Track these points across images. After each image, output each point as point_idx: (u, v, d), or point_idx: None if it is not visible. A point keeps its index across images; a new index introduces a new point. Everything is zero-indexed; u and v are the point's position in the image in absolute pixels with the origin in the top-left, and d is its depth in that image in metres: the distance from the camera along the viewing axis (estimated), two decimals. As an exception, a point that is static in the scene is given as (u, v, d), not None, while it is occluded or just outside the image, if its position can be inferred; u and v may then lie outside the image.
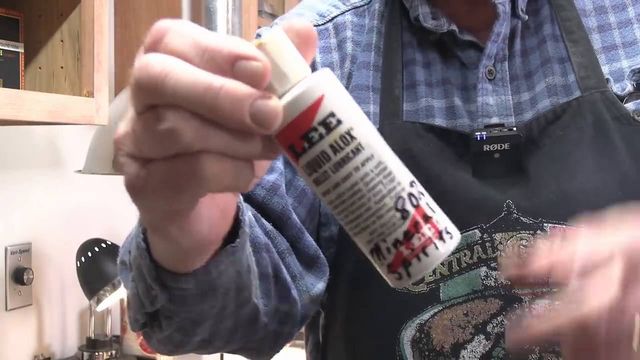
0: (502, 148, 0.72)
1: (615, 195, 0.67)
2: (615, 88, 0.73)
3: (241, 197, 0.53)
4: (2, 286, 1.68)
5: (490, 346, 0.71)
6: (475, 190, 0.71)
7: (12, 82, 1.26)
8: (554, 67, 0.75)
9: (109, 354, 1.79)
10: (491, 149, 0.72)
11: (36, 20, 1.33)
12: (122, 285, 1.70)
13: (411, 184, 0.43)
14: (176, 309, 0.56)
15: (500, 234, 0.71)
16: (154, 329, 0.60)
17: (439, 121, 0.76)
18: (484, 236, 0.71)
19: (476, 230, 0.71)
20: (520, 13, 0.76)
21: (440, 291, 0.73)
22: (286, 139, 0.41)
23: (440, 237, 0.43)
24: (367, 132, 0.41)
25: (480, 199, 0.72)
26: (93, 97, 1.31)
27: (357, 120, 0.41)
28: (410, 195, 0.42)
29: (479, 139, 0.72)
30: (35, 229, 1.77)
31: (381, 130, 0.69)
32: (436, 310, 0.73)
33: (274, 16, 2.40)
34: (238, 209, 0.52)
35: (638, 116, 0.71)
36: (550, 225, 0.69)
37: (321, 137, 0.40)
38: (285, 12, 2.47)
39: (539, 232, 0.70)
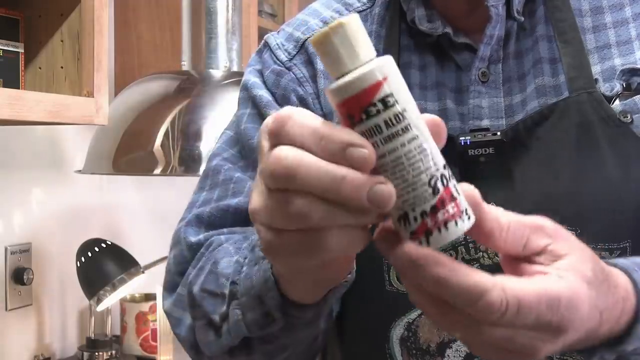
0: (487, 152, 0.72)
1: (599, 197, 0.67)
2: (604, 88, 0.72)
3: None
4: (2, 286, 1.68)
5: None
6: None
7: (12, 82, 1.26)
8: (544, 68, 0.75)
9: (109, 354, 1.79)
10: (476, 153, 0.73)
11: (36, 20, 1.33)
12: (122, 285, 1.70)
13: (444, 167, 0.48)
14: (283, 334, 0.65)
15: None
16: (236, 352, 0.69)
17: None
18: (468, 238, 0.71)
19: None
20: (516, 15, 0.76)
21: None
22: (347, 108, 0.47)
23: (461, 217, 0.48)
24: (415, 116, 0.48)
25: None
26: (93, 97, 1.31)
27: (409, 105, 0.47)
28: (442, 176, 0.48)
29: (462, 143, 0.73)
30: (35, 229, 1.77)
31: None
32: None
33: (274, 16, 2.39)
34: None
35: (624, 117, 0.70)
36: None
37: (378, 112, 0.47)
38: (285, 12, 2.46)
39: None
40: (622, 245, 0.69)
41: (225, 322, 0.67)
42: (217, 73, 1.62)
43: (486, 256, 0.72)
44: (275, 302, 0.61)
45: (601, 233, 0.69)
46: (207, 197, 0.82)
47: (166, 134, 1.46)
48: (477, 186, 0.49)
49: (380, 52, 0.77)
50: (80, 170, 1.62)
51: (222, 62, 1.64)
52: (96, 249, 1.71)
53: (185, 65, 1.68)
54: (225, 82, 1.59)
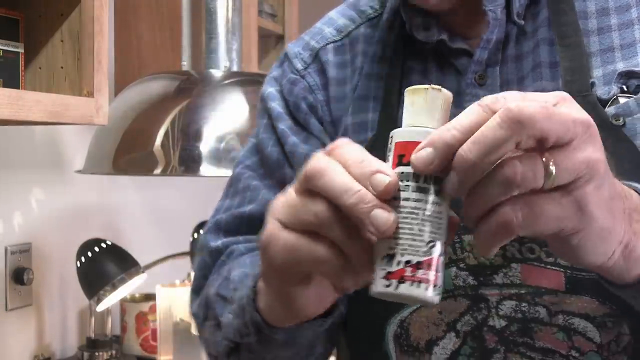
0: None
1: None
2: (602, 91, 0.73)
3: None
4: (2, 286, 1.68)
5: (459, 344, 0.74)
6: None
7: (12, 82, 1.26)
8: (544, 72, 0.75)
9: (109, 354, 1.79)
10: None
11: (36, 20, 1.33)
12: (122, 285, 1.71)
13: (446, 243, 0.53)
14: (259, 348, 0.71)
15: (469, 236, 0.73)
16: (232, 356, 0.75)
17: None
18: (455, 238, 0.73)
19: None
20: (516, 19, 0.77)
21: None
22: (404, 149, 0.53)
23: (435, 287, 0.52)
24: (448, 193, 0.53)
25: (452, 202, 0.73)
26: (93, 97, 1.31)
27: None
28: (440, 247, 0.52)
29: None
30: (35, 229, 1.77)
31: (378, 136, 0.79)
32: (414, 307, 0.76)
33: (274, 16, 2.39)
34: (337, 303, 0.69)
35: (616, 120, 0.71)
36: None
37: None
38: (285, 12, 2.46)
39: None
40: None
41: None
42: (217, 73, 1.62)
43: (471, 256, 0.74)
44: (250, 316, 0.67)
45: None
46: (228, 204, 0.88)
47: (166, 134, 1.46)
48: None
49: (387, 59, 0.84)
50: (80, 170, 1.62)
51: (222, 62, 1.64)
52: (96, 249, 1.71)
53: (185, 65, 1.68)
54: (225, 82, 1.59)
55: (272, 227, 0.56)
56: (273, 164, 0.86)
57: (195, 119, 1.47)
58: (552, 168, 0.50)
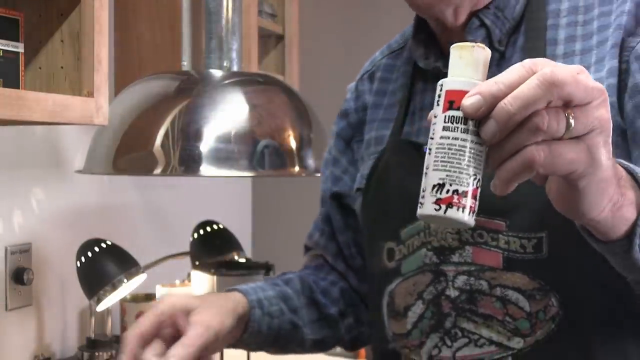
0: None
1: (536, 199, 0.78)
2: None
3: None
4: (2, 286, 1.68)
5: (424, 309, 0.93)
6: None
7: (12, 82, 1.26)
8: None
9: (109, 354, 1.79)
10: None
11: (36, 20, 1.33)
12: (122, 285, 1.70)
13: (481, 176, 0.62)
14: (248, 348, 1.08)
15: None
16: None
17: (423, 138, 0.96)
18: (425, 225, 0.94)
19: (421, 222, 0.91)
20: (497, 45, 0.93)
21: (402, 266, 0.97)
22: (454, 96, 0.62)
23: (472, 212, 0.62)
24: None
25: None
26: (93, 97, 1.31)
27: None
28: (480, 179, 0.62)
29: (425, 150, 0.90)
30: (35, 229, 1.77)
31: (387, 147, 1.01)
32: (399, 280, 0.97)
33: (274, 16, 2.39)
34: (245, 328, 1.00)
35: None
36: (482, 218, 0.86)
37: None
38: (285, 12, 2.46)
39: None
40: (538, 235, 0.87)
41: None
42: (217, 73, 1.62)
43: (435, 239, 0.93)
44: None
45: (523, 224, 0.87)
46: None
47: (166, 134, 1.45)
48: None
49: (403, 88, 1.05)
50: (80, 170, 1.62)
51: (222, 62, 1.64)
52: (96, 249, 1.71)
53: (185, 65, 1.68)
54: (225, 82, 1.59)
55: None
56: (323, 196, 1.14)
57: (195, 119, 1.47)
58: (572, 121, 0.60)
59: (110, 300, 1.73)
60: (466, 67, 0.63)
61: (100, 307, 1.73)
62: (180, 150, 1.45)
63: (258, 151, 1.46)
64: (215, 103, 1.50)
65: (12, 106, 1.15)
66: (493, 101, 0.60)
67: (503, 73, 0.61)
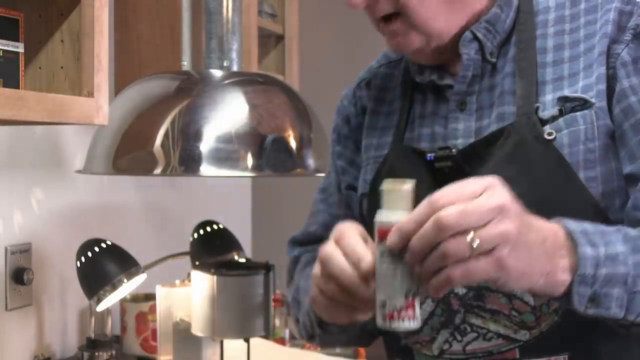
0: (448, 165, 0.97)
1: (527, 200, 0.82)
2: (546, 114, 0.94)
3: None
4: (2, 286, 1.68)
5: (434, 307, 0.99)
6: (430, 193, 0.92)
7: (12, 82, 1.26)
8: (506, 99, 0.97)
9: (109, 354, 1.79)
10: (441, 165, 0.97)
11: (36, 20, 1.33)
12: (122, 285, 1.71)
13: (417, 289, 0.78)
14: (324, 335, 1.03)
15: None
16: (310, 339, 1.10)
17: (424, 144, 1.03)
18: None
19: None
20: (489, 57, 0.99)
21: None
22: (383, 231, 0.78)
23: (412, 319, 0.78)
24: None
25: None
26: (93, 97, 1.31)
27: None
28: (414, 292, 0.78)
29: (428, 159, 0.98)
30: (35, 229, 1.77)
31: (390, 153, 1.05)
32: None
33: (274, 16, 2.39)
34: None
35: (549, 135, 0.92)
36: None
37: None
38: (285, 12, 2.46)
39: None
40: None
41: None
42: (217, 73, 1.62)
43: None
44: (314, 317, 1.00)
45: None
46: (306, 222, 1.21)
47: (166, 134, 1.45)
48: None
49: (403, 97, 1.10)
50: (80, 170, 1.62)
51: (222, 62, 1.64)
52: (96, 249, 1.71)
53: (185, 65, 1.68)
54: (225, 82, 1.59)
55: (314, 291, 0.88)
56: (331, 187, 1.17)
57: (195, 119, 1.46)
58: (476, 242, 0.72)
59: (110, 300, 1.73)
60: (397, 200, 0.78)
61: (100, 307, 1.73)
62: (180, 150, 1.44)
63: (258, 151, 1.46)
64: (215, 103, 1.50)
65: (12, 106, 1.15)
66: (408, 237, 0.75)
67: (415, 210, 0.75)
